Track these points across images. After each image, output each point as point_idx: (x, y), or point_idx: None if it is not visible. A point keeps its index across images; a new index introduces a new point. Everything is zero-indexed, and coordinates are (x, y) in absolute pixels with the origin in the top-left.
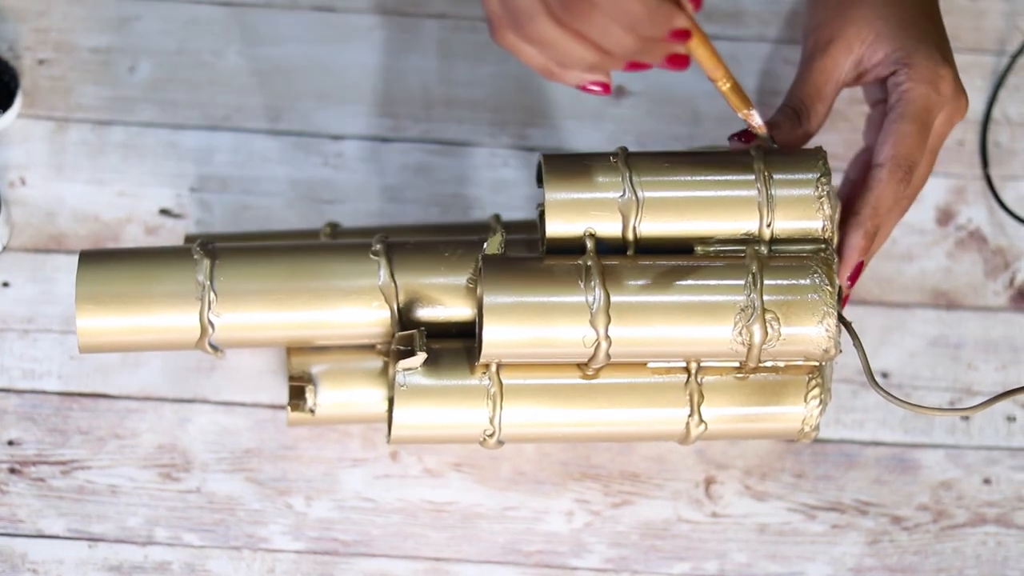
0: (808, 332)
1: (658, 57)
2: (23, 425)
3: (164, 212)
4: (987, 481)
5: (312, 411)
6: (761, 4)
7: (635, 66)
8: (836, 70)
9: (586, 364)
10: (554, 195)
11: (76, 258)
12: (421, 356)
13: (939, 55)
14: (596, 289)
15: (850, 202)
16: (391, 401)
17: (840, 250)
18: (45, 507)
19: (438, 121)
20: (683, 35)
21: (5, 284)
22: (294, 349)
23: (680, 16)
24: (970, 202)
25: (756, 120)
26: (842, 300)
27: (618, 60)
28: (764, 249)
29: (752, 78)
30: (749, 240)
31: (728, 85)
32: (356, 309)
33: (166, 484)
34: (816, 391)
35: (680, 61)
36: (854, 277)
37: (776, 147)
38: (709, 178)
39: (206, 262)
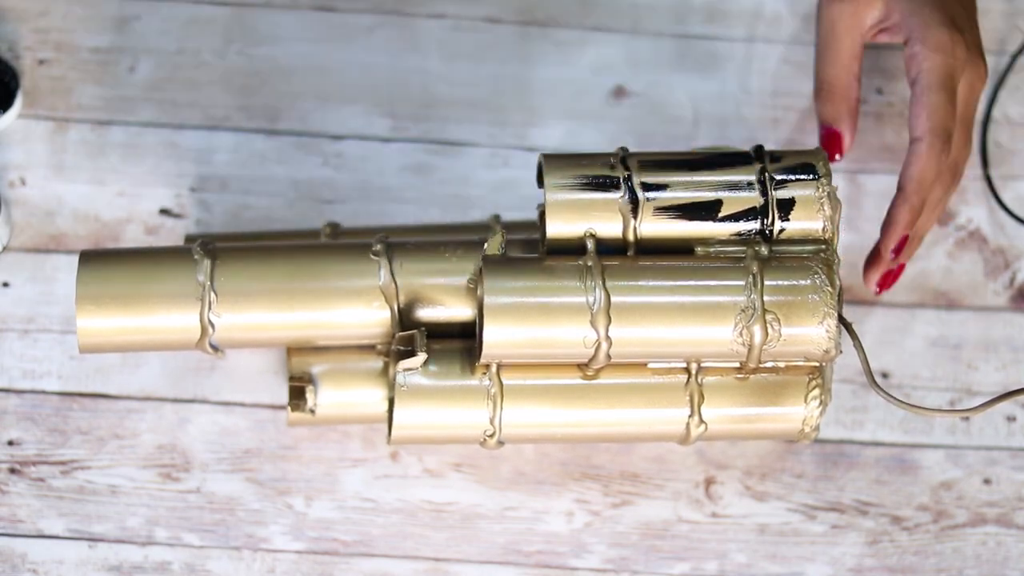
0: (809, 333)
1: None
2: (23, 425)
3: (164, 212)
4: (987, 481)
5: (312, 411)
6: (761, 4)
7: None
8: (857, 29)
9: (586, 365)
10: (554, 195)
11: (76, 258)
12: (421, 356)
13: (949, 21)
14: (596, 290)
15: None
16: (391, 401)
17: (885, 226)
18: (45, 507)
19: (438, 121)
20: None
21: (5, 284)
22: (294, 349)
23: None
24: (970, 202)
25: None
26: (893, 277)
27: None
28: (765, 250)
29: (752, 78)
30: (749, 241)
31: None
32: (356, 309)
33: (166, 484)
34: (816, 392)
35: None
36: (899, 249)
37: None
38: (709, 178)
39: (206, 262)
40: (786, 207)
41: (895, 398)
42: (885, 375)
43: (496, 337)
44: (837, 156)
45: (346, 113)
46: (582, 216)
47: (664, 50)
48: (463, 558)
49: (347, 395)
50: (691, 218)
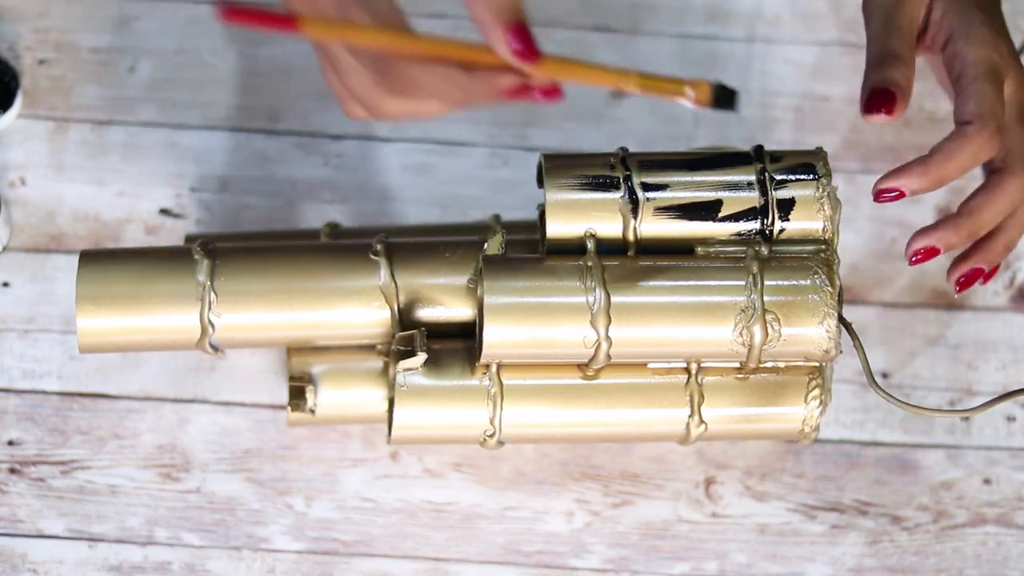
0: (808, 333)
1: (491, 99)
2: (23, 425)
3: (164, 212)
4: (987, 481)
5: (312, 411)
6: (761, 4)
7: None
8: (916, 20)
9: (586, 365)
10: (554, 195)
11: (76, 258)
12: (421, 356)
13: (990, 22)
14: (596, 290)
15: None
16: (391, 401)
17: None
18: (45, 507)
19: (438, 121)
20: (524, 90)
21: (5, 284)
22: (294, 349)
23: (502, 78)
24: None
25: (691, 97)
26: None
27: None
28: (765, 250)
29: (752, 78)
30: (749, 241)
31: (637, 85)
32: (356, 309)
33: (166, 484)
34: (816, 392)
35: (549, 93)
36: (924, 256)
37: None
38: (709, 178)
39: (206, 262)
40: (786, 207)
41: (895, 398)
42: (885, 375)
43: (496, 337)
44: (884, 115)
45: None
46: (582, 216)
47: (664, 50)
48: (463, 558)
49: (347, 395)
50: (691, 218)
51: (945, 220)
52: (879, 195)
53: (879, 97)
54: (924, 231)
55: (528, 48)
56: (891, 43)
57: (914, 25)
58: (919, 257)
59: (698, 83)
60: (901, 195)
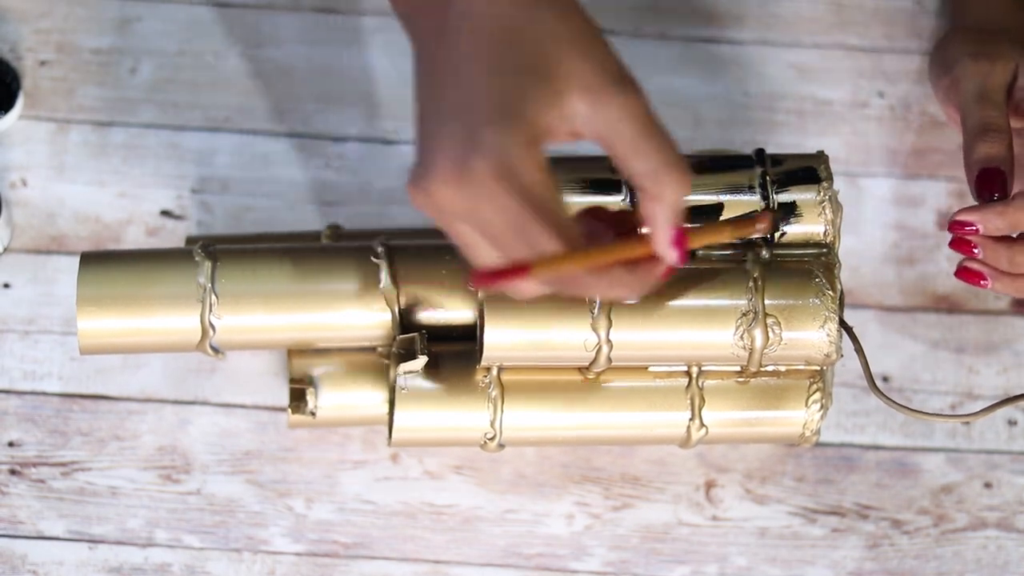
0: (809, 336)
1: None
2: (24, 426)
3: (165, 214)
4: (988, 485)
5: (313, 413)
6: (763, 7)
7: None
8: (1006, 86)
9: (587, 368)
10: None
11: (77, 259)
12: (422, 359)
13: None
14: None
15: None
16: (392, 404)
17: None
18: (45, 508)
19: None
20: (668, 271)
21: (6, 285)
22: (295, 351)
23: (657, 268)
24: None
25: (761, 229)
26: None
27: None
28: (766, 253)
29: (754, 82)
30: (751, 244)
31: (730, 236)
32: (357, 312)
33: (166, 486)
34: (817, 395)
35: (670, 271)
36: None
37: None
38: (710, 181)
39: (207, 264)
40: (787, 210)
41: (896, 402)
42: (886, 379)
43: (496, 340)
44: (999, 196)
45: (348, 115)
46: None
47: (666, 53)
48: (463, 560)
49: (348, 397)
50: (692, 221)
51: (993, 203)
52: (954, 226)
53: (989, 178)
54: (970, 208)
55: (685, 252)
56: (987, 114)
57: (1005, 91)
58: (958, 230)
59: (763, 215)
60: (977, 231)
